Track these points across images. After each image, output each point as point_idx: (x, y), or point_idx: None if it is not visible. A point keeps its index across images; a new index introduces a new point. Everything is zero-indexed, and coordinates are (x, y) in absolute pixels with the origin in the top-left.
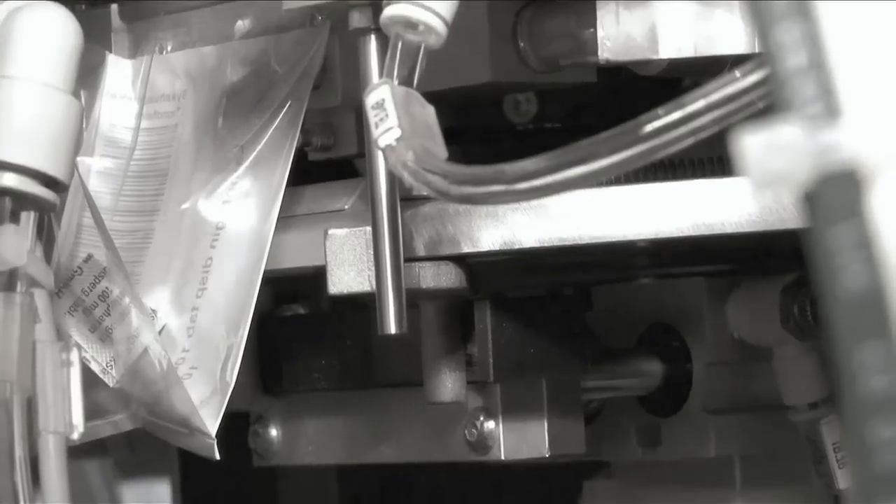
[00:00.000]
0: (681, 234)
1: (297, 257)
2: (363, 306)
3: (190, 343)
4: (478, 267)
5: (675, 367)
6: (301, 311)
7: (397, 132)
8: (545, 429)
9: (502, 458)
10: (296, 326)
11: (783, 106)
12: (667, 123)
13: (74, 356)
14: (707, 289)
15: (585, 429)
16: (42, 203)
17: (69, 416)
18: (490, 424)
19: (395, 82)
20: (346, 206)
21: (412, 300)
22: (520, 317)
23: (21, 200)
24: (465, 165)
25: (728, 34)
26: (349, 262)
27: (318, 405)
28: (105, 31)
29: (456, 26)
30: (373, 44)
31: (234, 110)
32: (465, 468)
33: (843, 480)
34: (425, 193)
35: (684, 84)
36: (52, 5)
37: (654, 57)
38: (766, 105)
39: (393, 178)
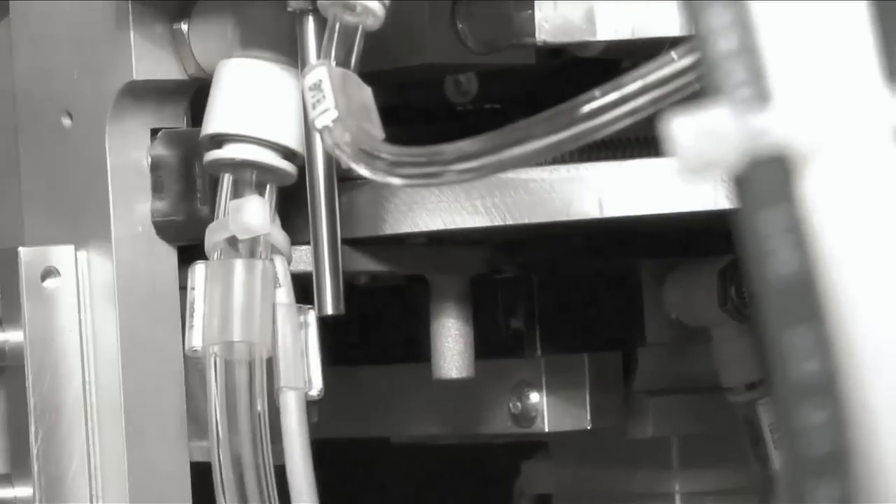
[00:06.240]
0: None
1: None
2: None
3: None
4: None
5: None
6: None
7: (334, 113)
8: (587, 401)
9: (546, 429)
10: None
11: (714, 90)
12: (603, 105)
13: (311, 318)
14: (645, 270)
15: None
16: (283, 175)
17: (308, 373)
18: (534, 397)
19: (333, 63)
20: None
21: (350, 280)
22: (565, 292)
23: (262, 172)
24: (401, 146)
25: (665, 16)
26: None
27: (361, 379)
28: None
29: (394, 7)
30: (311, 25)
31: None
32: (404, 447)
33: (779, 461)
34: (363, 174)
35: (624, 66)
36: None
37: (592, 38)
38: (702, 86)
39: (331, 159)
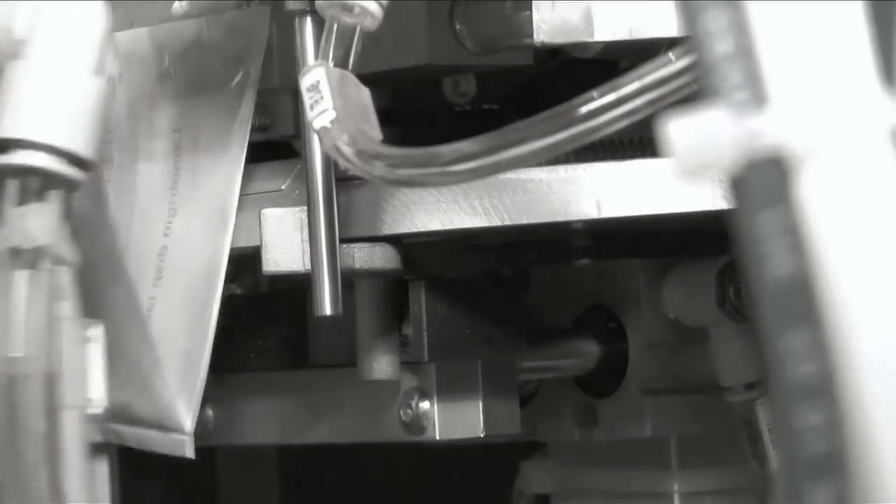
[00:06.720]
0: (625, 215)
1: (234, 238)
2: (298, 286)
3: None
4: (413, 248)
5: (612, 348)
6: (238, 291)
7: (332, 114)
8: (480, 409)
9: (437, 438)
10: (232, 307)
11: (711, 92)
12: (601, 105)
13: (97, 333)
14: (643, 270)
15: (522, 409)
16: (69, 182)
17: (90, 391)
18: (425, 405)
19: (331, 64)
20: (283, 187)
21: (347, 281)
22: (455, 297)
23: (49, 179)
24: (399, 147)
25: (663, 17)
26: (285, 243)
27: (253, 386)
28: None
29: (392, 8)
30: (309, 26)
31: (170, 93)
32: (402, 448)
33: (777, 461)
34: (361, 174)
35: (622, 66)
36: None
37: (589, 39)
38: (699, 88)
39: (329, 159)
